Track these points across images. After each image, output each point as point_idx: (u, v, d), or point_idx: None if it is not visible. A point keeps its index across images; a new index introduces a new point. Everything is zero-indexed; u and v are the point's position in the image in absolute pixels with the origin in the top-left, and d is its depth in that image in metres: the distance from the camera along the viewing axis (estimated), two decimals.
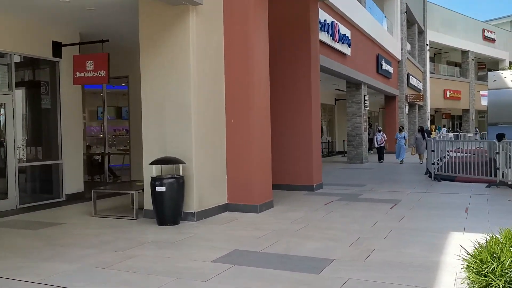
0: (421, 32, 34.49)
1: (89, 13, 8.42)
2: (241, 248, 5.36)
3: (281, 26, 10.30)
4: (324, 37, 13.63)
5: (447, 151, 12.66)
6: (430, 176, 12.33)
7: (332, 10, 14.71)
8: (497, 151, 10.07)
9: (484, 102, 27.01)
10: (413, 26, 31.27)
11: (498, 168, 10.10)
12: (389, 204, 8.21)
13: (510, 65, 41.56)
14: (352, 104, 18.79)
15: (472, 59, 42.94)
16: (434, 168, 11.87)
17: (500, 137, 10.26)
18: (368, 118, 31.24)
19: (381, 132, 19.62)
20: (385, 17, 24.89)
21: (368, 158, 19.20)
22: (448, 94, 39.55)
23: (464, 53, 42.62)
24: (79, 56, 9.36)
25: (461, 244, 4.71)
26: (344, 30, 15.58)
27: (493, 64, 48.54)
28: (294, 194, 9.76)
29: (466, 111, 43.12)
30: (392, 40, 24.39)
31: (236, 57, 7.82)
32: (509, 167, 9.96)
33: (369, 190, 10.25)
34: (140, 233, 6.42)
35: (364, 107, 18.76)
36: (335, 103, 26.41)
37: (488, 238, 4.02)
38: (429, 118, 36.15)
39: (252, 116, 7.72)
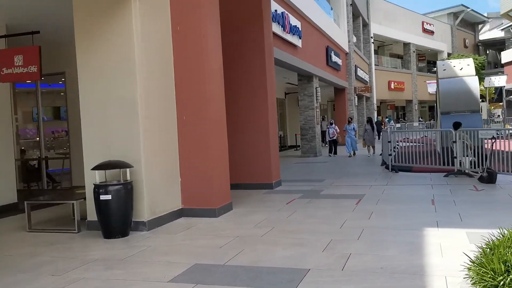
0: (365, 25, 34.98)
1: (17, 1, 7.38)
2: (203, 262, 4.71)
3: (233, 18, 9.65)
4: (275, 28, 13.11)
5: (396, 142, 12.47)
6: (387, 168, 12.18)
7: (282, 1, 14.24)
8: (454, 140, 10.00)
9: (431, 90, 27.77)
10: (358, 19, 31.57)
11: (455, 157, 10.04)
12: (354, 200, 7.83)
13: (448, 56, 43.33)
14: (304, 97, 18.48)
15: (413, 51, 44.30)
16: (391, 160, 11.72)
17: (456, 126, 10.21)
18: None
19: (333, 125, 18.90)
20: (332, 9, 24.86)
21: (322, 152, 18.99)
22: (392, 86, 40.53)
23: (406, 45, 43.87)
24: (6, 50, 8.24)
25: (464, 252, 4.32)
26: (294, 21, 15.17)
27: (433, 56, 50.42)
28: (253, 193, 9.19)
29: (409, 101, 44.44)
30: (339, 32, 24.39)
31: (186, 47, 7.11)
32: (466, 156, 9.92)
33: (329, 185, 9.87)
34: (84, 249, 5.59)
35: (316, 99, 18.52)
36: (285, 97, 26.12)
37: (488, 239, 3.59)
38: (375, 109, 36.86)
39: (206, 111, 7.05)
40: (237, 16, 9.72)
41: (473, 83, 12.42)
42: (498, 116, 30.11)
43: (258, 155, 9.77)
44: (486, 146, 10.16)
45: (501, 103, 34.36)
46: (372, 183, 9.83)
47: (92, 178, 6.20)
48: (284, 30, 14.01)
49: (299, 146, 21.30)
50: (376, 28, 37.95)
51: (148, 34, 6.58)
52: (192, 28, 7.05)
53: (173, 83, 7.15)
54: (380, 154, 16.45)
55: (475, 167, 9.77)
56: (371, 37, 36.20)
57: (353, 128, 17.83)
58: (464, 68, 13.30)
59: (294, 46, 15.51)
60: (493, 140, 8.93)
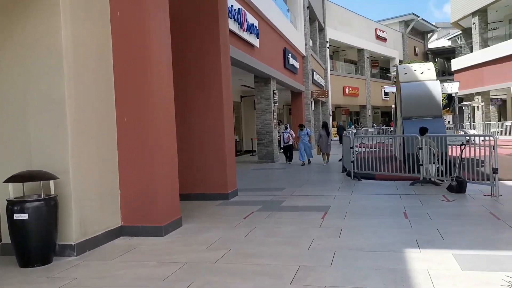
0: (322, 29, 34.82)
1: None
2: None
3: (186, 7, 8.67)
4: (232, 25, 12.21)
5: (352, 147, 11.73)
6: (348, 175, 11.55)
7: None
8: (420, 147, 9.46)
9: (388, 90, 27.76)
10: (314, 23, 31.28)
11: (421, 164, 9.51)
12: (319, 213, 7.02)
13: (400, 63, 44.14)
14: (261, 100, 17.67)
15: (367, 57, 44.82)
16: (353, 167, 11.08)
17: (423, 131, 9.69)
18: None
19: (288, 129, 17.43)
20: (289, 11, 24.30)
21: (280, 158, 18.21)
22: (347, 91, 40.70)
23: (360, 51, 44.30)
24: None
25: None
26: (251, 19, 14.34)
27: (385, 62, 51.38)
28: (206, 205, 8.20)
29: (363, 107, 44.89)
30: (297, 35, 23.85)
31: (128, 37, 6.05)
32: (433, 163, 9.41)
33: (290, 195, 9.04)
34: None
35: (274, 103, 17.76)
36: (241, 100, 25.27)
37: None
38: (331, 114, 36.79)
39: (151, 113, 6.01)
40: (190, 5, 8.72)
41: (435, 88, 12.05)
42: (449, 122, 30.68)
43: (212, 163, 8.79)
44: (450, 153, 9.72)
45: (448, 109, 35.20)
46: (336, 193, 9.10)
47: (5, 192, 5.01)
48: (241, 27, 13.13)
49: (255, 151, 20.48)
50: (332, 33, 37.97)
51: (79, 19, 5.48)
52: (134, 13, 6.00)
53: (112, 79, 6.07)
54: (339, 160, 15.93)
55: (441, 175, 9.28)
56: (327, 41, 36.13)
57: (306, 134, 16.24)
58: (425, 72, 12.94)
59: (251, 45, 14.67)
60: (463, 147, 8.43)
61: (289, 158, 17.06)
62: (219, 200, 8.64)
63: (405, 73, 13.16)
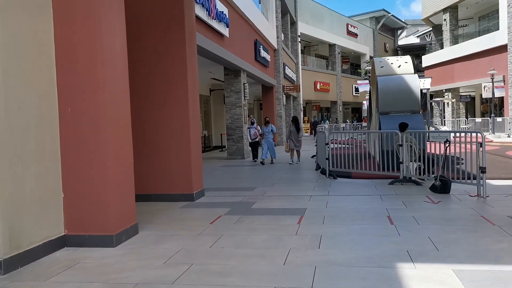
0: (293, 23, 34.20)
1: None
2: None
3: None
4: (199, 11, 11.33)
5: (327, 144, 11.04)
6: (323, 173, 10.90)
7: None
8: (400, 143, 8.87)
9: (362, 89, 27.47)
10: (286, 16, 30.60)
11: (402, 162, 8.92)
12: (294, 217, 6.29)
13: (370, 58, 44.09)
14: (231, 93, 16.82)
15: (339, 53, 44.60)
16: (328, 164, 10.42)
17: (403, 127, 9.11)
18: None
19: (255, 125, 15.80)
20: (260, 2, 23.52)
21: (250, 154, 17.40)
22: (318, 86, 40.34)
23: (331, 46, 44.03)
24: None
25: None
26: (221, 7, 13.47)
27: (356, 58, 51.38)
28: (169, 207, 7.35)
29: (334, 102, 44.69)
30: (268, 27, 23.08)
31: (72, 14, 5.10)
32: (414, 161, 8.84)
33: (262, 196, 8.28)
34: None
35: (244, 96, 16.96)
36: (210, 94, 24.32)
37: None
38: (302, 109, 36.30)
39: (102, 104, 5.10)
40: None
41: (413, 82, 11.51)
42: None
43: (176, 160, 7.92)
44: (429, 151, 9.19)
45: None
46: (311, 193, 8.39)
47: None
48: (209, 14, 12.25)
49: (224, 147, 19.65)
50: (303, 28, 37.44)
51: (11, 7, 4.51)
52: None
53: (53, 62, 5.12)
54: (312, 156, 15.30)
55: (421, 174, 8.72)
56: (299, 35, 35.56)
57: (271, 131, 14.60)
58: (402, 66, 12.40)
59: (220, 35, 13.82)
60: (447, 145, 7.86)
61: (255, 156, 15.71)
62: (183, 202, 7.80)
63: (382, 66, 12.59)
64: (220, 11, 13.20)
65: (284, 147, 14.76)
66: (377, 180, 9.54)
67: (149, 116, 7.93)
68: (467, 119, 28.47)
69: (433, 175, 8.31)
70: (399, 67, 12.38)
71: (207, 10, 12.00)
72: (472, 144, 7.61)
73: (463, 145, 8.34)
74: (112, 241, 5.12)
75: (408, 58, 12.82)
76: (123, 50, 5.61)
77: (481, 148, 7.18)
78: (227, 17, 14.01)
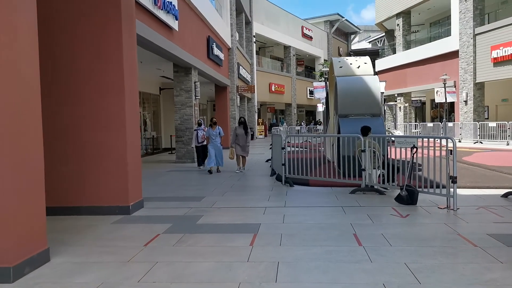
0: (248, 23, 33.38)
1: None
2: None
3: None
4: None
5: (283, 148, 10.16)
6: (278, 179, 10.04)
7: None
8: (363, 149, 8.13)
9: (318, 95, 26.99)
10: (240, 15, 29.71)
11: (364, 169, 8.18)
12: (247, 236, 5.32)
13: (324, 62, 44.07)
14: (180, 92, 15.64)
15: (294, 55, 44.24)
16: (285, 170, 9.56)
17: (365, 131, 8.39)
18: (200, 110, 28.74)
19: (203, 126, 14.01)
20: None
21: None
22: (273, 88, 39.72)
23: (286, 48, 43.59)
24: None
25: None
26: None
27: (310, 61, 51.33)
28: (98, 222, 6.18)
29: (288, 105, 44.26)
30: (222, 24, 22.07)
31: None
32: (378, 168, 8.12)
33: (210, 207, 7.26)
34: None
35: (195, 96, 15.83)
36: (160, 93, 22.97)
37: None
38: (256, 111, 35.54)
39: None
40: None
41: (374, 83, 10.89)
42: None
43: (109, 166, 6.74)
44: (390, 156, 8.53)
45: None
46: (266, 203, 7.47)
47: None
48: (155, 3, 11.09)
49: (174, 149, 18.41)
50: (259, 28, 36.71)
51: None
52: None
53: None
54: (267, 161, 14.44)
55: (384, 182, 8.02)
56: (254, 36, 34.78)
57: (219, 134, 12.54)
58: (361, 67, 11.80)
59: (169, 28, 12.67)
60: (414, 151, 7.17)
61: (201, 162, 13.78)
62: (117, 215, 6.66)
63: (341, 67, 11.92)
64: (168, 1, 12.06)
65: (229, 153, 12.62)
66: (337, 188, 8.78)
67: (77, 115, 6.72)
68: (418, 123, 28.70)
69: (397, 184, 7.62)
70: (358, 67, 11.77)
71: None
72: (442, 150, 6.95)
73: (429, 151, 7.71)
74: (9, 275, 3.94)
75: (367, 58, 12.24)
76: (32, 24, 4.43)
77: (451, 155, 6.54)
78: (176, 8, 12.88)
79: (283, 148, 9.65)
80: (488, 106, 25.80)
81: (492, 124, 22.29)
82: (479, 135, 22.33)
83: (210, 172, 12.24)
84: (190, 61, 14.85)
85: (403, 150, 7.77)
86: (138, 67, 16.73)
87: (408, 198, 7.01)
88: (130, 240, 5.34)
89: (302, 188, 9.13)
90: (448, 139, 6.75)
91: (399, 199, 7.18)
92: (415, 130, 28.25)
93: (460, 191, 8.04)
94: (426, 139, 7.74)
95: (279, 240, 5.16)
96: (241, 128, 12.46)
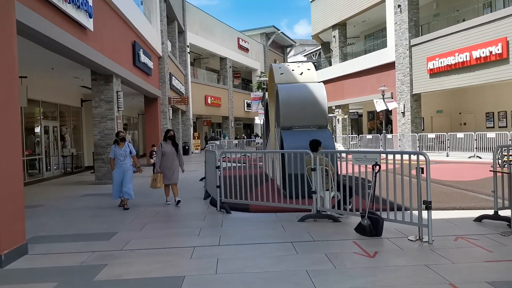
0: (181, 32, 31.68)
1: None
2: None
3: None
4: None
5: (217, 167, 8.41)
6: (212, 203, 8.44)
7: None
8: (313, 167, 6.74)
9: (256, 108, 25.70)
10: (173, 23, 27.94)
11: (314, 192, 6.78)
12: None
13: (261, 74, 43.20)
14: (100, 103, 13.62)
15: (230, 67, 43.00)
16: (220, 194, 7.96)
17: (315, 145, 7.04)
18: (126, 124, 26.38)
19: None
20: (142, 3, 20.62)
21: None
22: (209, 101, 38.11)
23: (222, 59, 42.26)
24: None
25: None
26: None
27: (247, 74, 50.37)
28: None
29: (225, 118, 42.81)
30: (151, 30, 20.21)
31: None
32: (332, 189, 6.76)
33: (120, 250, 5.49)
34: None
35: (118, 107, 13.87)
36: (82, 105, 20.58)
37: None
38: (192, 125, 33.70)
39: None
40: None
41: (320, 91, 9.64)
42: None
43: None
44: (339, 173, 7.26)
45: None
46: (195, 241, 5.82)
47: None
48: None
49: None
50: (193, 38, 35.09)
51: None
52: None
53: None
54: (201, 179, 12.78)
55: (340, 208, 6.67)
56: (187, 45, 33.09)
57: (130, 153, 8.97)
58: (304, 73, 10.55)
59: (81, 27, 10.73)
60: (377, 169, 5.89)
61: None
62: None
63: (282, 73, 10.61)
64: None
65: (150, 181, 9.36)
66: (282, 215, 7.33)
67: None
68: (357, 135, 28.30)
69: (356, 210, 6.30)
70: (301, 74, 10.52)
71: None
72: (410, 168, 5.70)
73: (395, 169, 6.47)
74: None
75: (310, 65, 11.04)
76: None
77: (423, 174, 5.29)
78: (90, 5, 10.98)
79: (217, 167, 8.06)
80: (423, 118, 25.87)
81: (431, 135, 22.14)
82: (419, 146, 22.08)
83: (124, 207, 8.65)
84: (111, 68, 12.91)
85: (355, 166, 6.49)
86: (50, 74, 14.55)
87: (372, 228, 5.68)
88: None
89: (241, 215, 7.58)
90: (420, 155, 5.51)
91: (360, 229, 5.82)
92: (353, 142, 27.81)
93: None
94: (392, 154, 6.46)
95: None
96: (168, 144, 9.12)
